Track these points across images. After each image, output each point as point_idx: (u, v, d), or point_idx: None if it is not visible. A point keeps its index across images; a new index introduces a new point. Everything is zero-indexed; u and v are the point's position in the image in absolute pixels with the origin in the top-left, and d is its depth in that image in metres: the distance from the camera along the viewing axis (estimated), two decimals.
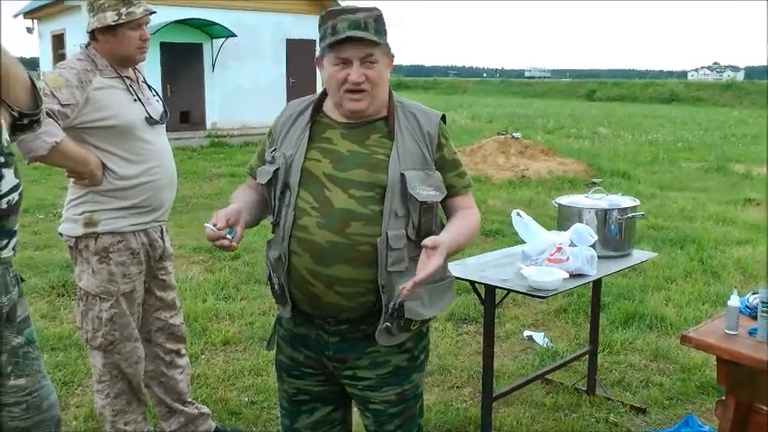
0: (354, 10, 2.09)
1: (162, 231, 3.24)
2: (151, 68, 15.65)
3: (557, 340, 5.05)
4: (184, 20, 17.39)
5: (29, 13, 21.98)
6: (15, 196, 2.01)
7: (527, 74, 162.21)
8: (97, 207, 3.01)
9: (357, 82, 2.09)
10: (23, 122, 2.07)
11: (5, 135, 1.97)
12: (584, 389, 4.21)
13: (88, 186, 2.99)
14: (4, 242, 2.00)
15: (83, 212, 3.02)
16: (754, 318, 2.81)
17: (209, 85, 19.13)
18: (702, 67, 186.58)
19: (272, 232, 2.24)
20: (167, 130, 3.29)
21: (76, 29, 17.21)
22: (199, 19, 17.69)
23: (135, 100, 3.05)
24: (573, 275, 3.36)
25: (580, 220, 3.77)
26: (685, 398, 4.15)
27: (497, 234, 8.09)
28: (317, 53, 2.19)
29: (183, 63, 18.42)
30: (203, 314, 5.36)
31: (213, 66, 19.02)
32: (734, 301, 2.80)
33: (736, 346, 2.69)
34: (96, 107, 2.92)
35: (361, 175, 2.13)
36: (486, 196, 10.54)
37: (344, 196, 2.11)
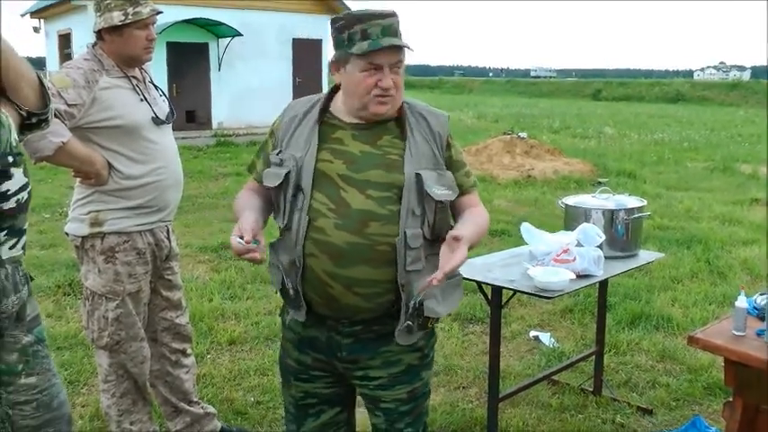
0: (382, 15, 2.07)
1: (168, 231, 3.24)
2: (157, 68, 15.68)
3: (563, 341, 5.04)
4: (191, 19, 17.43)
5: (35, 13, 22.04)
6: (25, 195, 2.01)
7: (533, 73, 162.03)
8: (103, 207, 3.01)
9: (388, 87, 2.09)
10: (32, 122, 2.07)
11: (14, 134, 1.97)
12: (591, 389, 4.19)
13: (94, 186, 3.00)
14: (14, 241, 2.01)
15: (89, 212, 3.02)
16: (762, 319, 2.80)
17: (216, 84, 19.16)
18: (708, 67, 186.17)
19: (280, 236, 2.21)
20: (173, 130, 3.29)
21: (83, 28, 17.26)
22: (205, 18, 17.72)
23: (141, 100, 3.05)
24: (580, 276, 3.35)
25: (587, 221, 3.76)
26: (692, 399, 4.14)
27: (503, 234, 8.08)
28: (335, 56, 2.14)
29: (190, 62, 18.46)
30: (209, 314, 5.36)
31: (219, 65, 19.05)
32: (741, 302, 2.78)
33: (744, 347, 2.67)
34: (103, 107, 2.92)
35: (378, 176, 2.12)
36: (491, 196, 10.53)
37: (362, 197, 2.10)
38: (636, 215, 3.84)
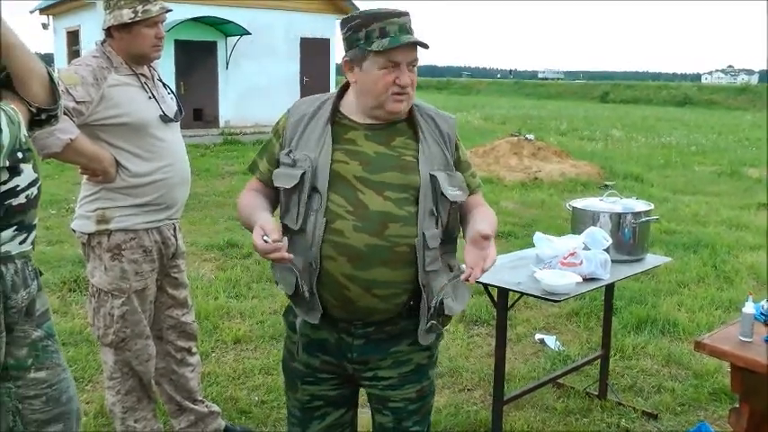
0: (398, 13, 2.10)
1: (175, 229, 3.24)
2: (165, 66, 15.69)
3: (568, 344, 5.03)
4: (199, 17, 17.44)
5: (44, 10, 22.09)
6: (34, 191, 2.02)
7: (540, 75, 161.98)
8: (110, 204, 3.01)
9: (406, 85, 2.11)
10: (41, 118, 2.08)
11: (24, 130, 1.98)
12: (596, 393, 4.18)
13: (102, 183, 3.00)
14: (24, 236, 2.01)
15: (96, 209, 3.02)
16: None
17: (223, 82, 19.17)
18: (716, 70, 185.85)
19: (291, 238, 2.11)
20: (180, 128, 3.29)
21: (91, 25, 17.31)
22: (213, 17, 17.73)
23: (149, 97, 3.06)
24: (586, 279, 3.35)
25: (594, 224, 3.75)
26: (698, 404, 4.12)
27: (510, 236, 8.07)
28: (350, 55, 2.14)
29: (197, 61, 18.47)
30: (214, 312, 5.36)
31: (227, 63, 19.06)
32: (749, 307, 2.77)
33: (751, 353, 2.66)
34: (111, 104, 2.92)
35: (395, 177, 2.13)
36: (498, 198, 10.52)
37: (380, 199, 2.11)
38: (643, 219, 3.83)
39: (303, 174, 2.12)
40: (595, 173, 13.06)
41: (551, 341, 5.03)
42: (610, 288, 4.13)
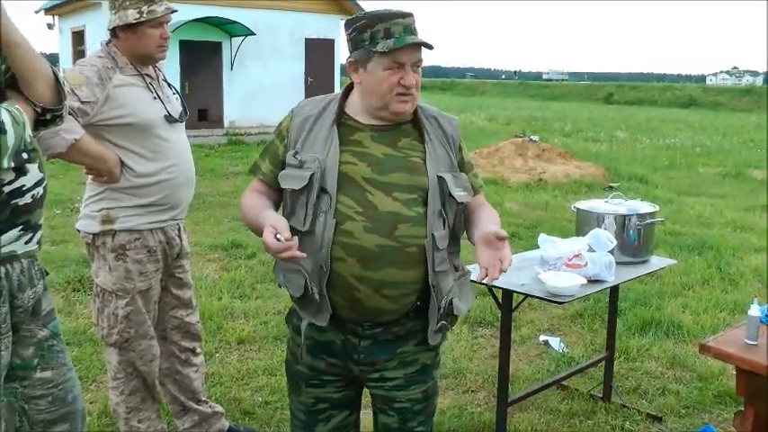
0: (403, 14, 2.11)
1: (179, 230, 3.24)
2: (170, 66, 15.65)
3: (573, 345, 5.02)
4: (204, 18, 17.46)
5: (50, 10, 22.14)
6: (40, 190, 2.03)
7: (545, 76, 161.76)
8: (115, 204, 3.01)
9: (411, 85, 2.11)
10: (46, 118, 2.08)
11: (29, 131, 1.98)
12: (600, 395, 4.17)
13: (106, 183, 3.00)
14: (29, 236, 2.02)
15: (101, 209, 3.02)
16: None
17: (228, 83, 19.20)
18: (721, 72, 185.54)
19: (299, 240, 2.04)
20: (185, 128, 3.29)
21: (97, 25, 17.33)
22: (218, 17, 17.75)
23: (154, 98, 3.06)
24: (591, 281, 3.34)
25: (599, 225, 3.74)
26: (702, 407, 4.11)
27: (514, 237, 8.05)
28: (355, 56, 2.14)
29: (202, 61, 18.49)
30: (218, 312, 5.36)
31: (232, 64, 19.08)
32: (754, 310, 2.76)
33: (757, 356, 2.65)
34: (116, 105, 2.92)
35: (403, 179, 2.14)
36: (502, 199, 10.49)
37: (389, 199, 2.11)
38: (648, 221, 3.82)
39: (312, 175, 2.11)
40: (600, 174, 13.03)
41: (555, 343, 5.02)
42: (614, 290, 4.12)
